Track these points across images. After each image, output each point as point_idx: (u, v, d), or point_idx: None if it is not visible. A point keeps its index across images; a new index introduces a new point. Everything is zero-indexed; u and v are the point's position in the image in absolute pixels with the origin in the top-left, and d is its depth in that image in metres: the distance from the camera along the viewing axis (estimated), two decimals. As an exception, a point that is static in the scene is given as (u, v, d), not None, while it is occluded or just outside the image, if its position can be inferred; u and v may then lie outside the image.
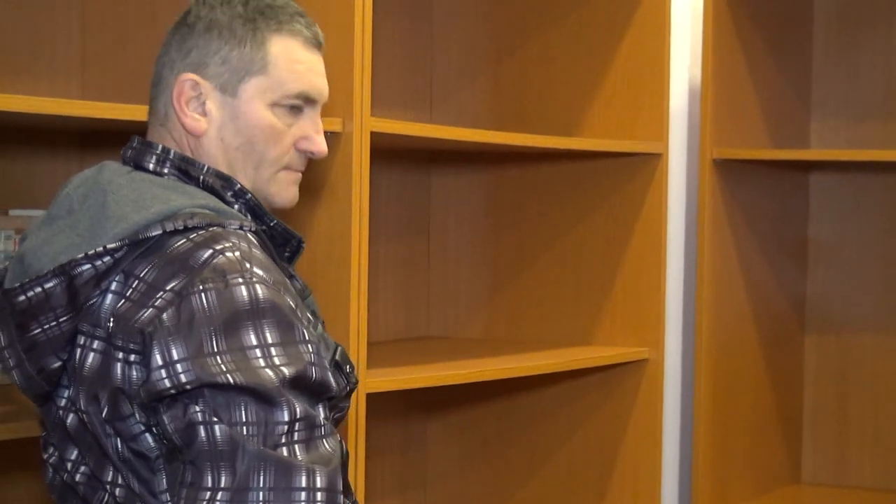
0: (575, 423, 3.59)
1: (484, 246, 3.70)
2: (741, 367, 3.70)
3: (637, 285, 3.52)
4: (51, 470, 2.13)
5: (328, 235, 2.71)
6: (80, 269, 1.99)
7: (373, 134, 2.72)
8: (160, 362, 1.92)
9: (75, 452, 2.07)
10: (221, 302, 1.93)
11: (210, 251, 1.97)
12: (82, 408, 2.03)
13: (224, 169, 2.15)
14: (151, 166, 2.13)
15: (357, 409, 2.69)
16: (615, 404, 3.54)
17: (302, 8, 2.21)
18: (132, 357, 1.96)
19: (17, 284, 2.03)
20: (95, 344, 2.00)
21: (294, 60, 2.17)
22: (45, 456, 2.14)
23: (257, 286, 1.95)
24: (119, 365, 1.97)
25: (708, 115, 3.54)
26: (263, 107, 2.15)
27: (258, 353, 1.92)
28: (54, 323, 2.02)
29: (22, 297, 2.02)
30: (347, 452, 2.22)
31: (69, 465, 2.08)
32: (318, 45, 2.21)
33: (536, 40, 3.60)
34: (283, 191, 2.20)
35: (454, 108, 3.69)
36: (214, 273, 1.95)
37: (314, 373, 1.96)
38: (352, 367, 2.20)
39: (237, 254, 1.98)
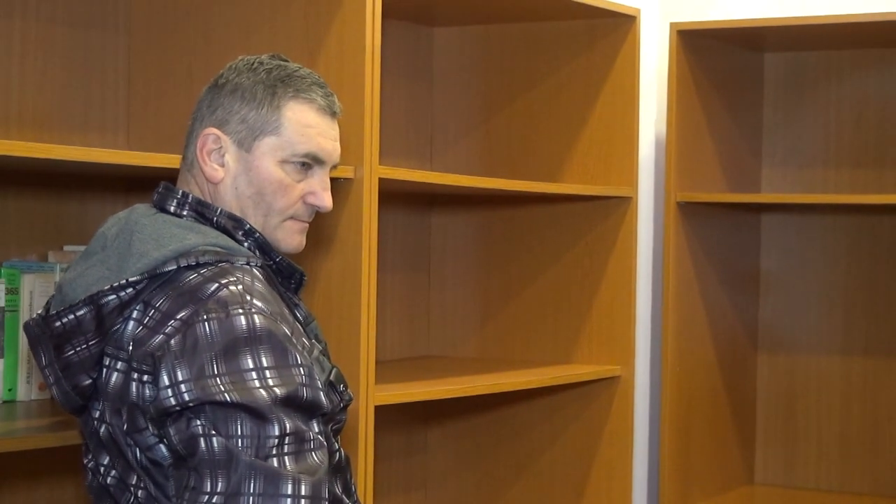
0: (557, 431, 3.57)
1: (477, 277, 3.69)
2: (702, 382, 3.69)
3: (611, 311, 3.51)
4: (89, 473, 2.12)
5: (342, 268, 2.70)
6: (106, 299, 2.00)
7: (381, 180, 2.72)
8: (167, 382, 1.92)
9: (107, 458, 2.06)
10: (222, 330, 1.93)
11: (216, 285, 1.97)
12: (108, 420, 2.03)
13: (237, 211, 2.14)
14: (172, 209, 2.13)
15: (366, 419, 2.68)
16: (592, 415, 3.53)
17: (322, 79, 2.20)
18: (145, 377, 1.96)
19: (53, 312, 2.03)
20: (118, 365, 2.00)
21: (305, 124, 2.15)
22: (85, 461, 2.13)
23: (255, 316, 1.95)
24: (135, 384, 1.97)
25: (672, 163, 3.53)
26: (274, 163, 2.14)
27: (254, 375, 1.92)
28: (85, 346, 2.02)
29: (58, 323, 2.02)
30: (348, 457, 2.22)
31: (102, 470, 2.07)
32: (332, 113, 2.19)
33: (523, 99, 3.60)
34: (289, 238, 2.18)
35: (451, 157, 3.69)
36: (217, 304, 1.95)
37: (305, 393, 1.95)
38: (345, 385, 2.18)
39: (240, 287, 1.97)
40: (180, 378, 1.91)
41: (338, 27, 2.69)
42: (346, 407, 2.19)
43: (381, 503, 3.44)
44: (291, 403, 1.92)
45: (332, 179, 2.62)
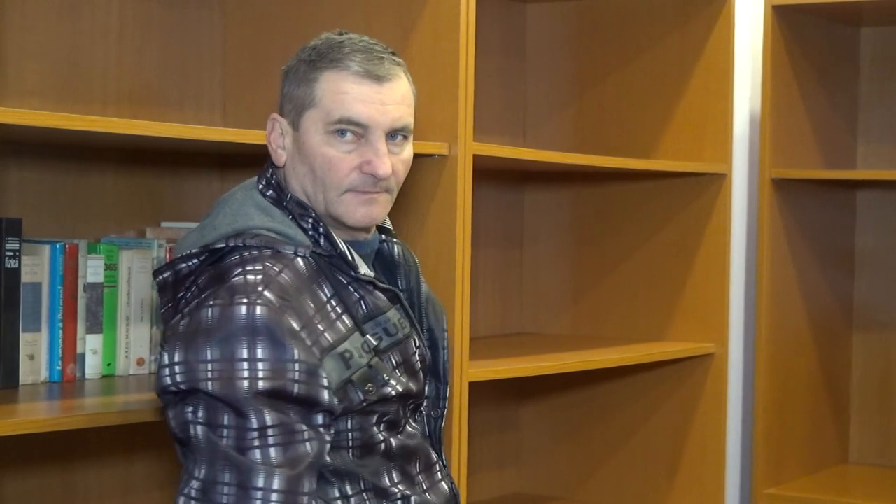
0: (650, 408, 3.53)
1: (570, 254, 3.65)
2: (796, 360, 3.62)
3: (704, 288, 3.46)
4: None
5: (436, 245, 2.67)
6: (179, 267, 2.05)
7: (475, 156, 2.69)
8: (166, 361, 1.94)
9: None
10: (223, 317, 1.92)
11: (239, 270, 1.97)
12: None
13: (302, 194, 2.13)
14: (261, 187, 2.15)
15: (460, 396, 2.66)
16: (685, 393, 3.48)
17: (375, 45, 2.15)
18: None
19: (156, 267, 2.12)
20: None
21: (339, 91, 2.09)
22: None
23: (258, 307, 1.92)
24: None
25: (767, 139, 3.47)
26: (318, 137, 2.10)
27: (245, 365, 1.90)
28: (166, 307, 2.09)
29: (159, 278, 2.09)
30: (406, 446, 2.14)
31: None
32: (375, 77, 2.11)
33: (616, 75, 3.54)
34: (351, 211, 2.12)
35: (544, 134, 3.65)
36: (226, 291, 1.94)
37: (297, 388, 1.92)
38: (375, 385, 2.05)
39: (258, 277, 1.96)
40: (176, 359, 1.93)
41: (432, 4, 2.65)
42: (389, 399, 2.09)
43: (474, 479, 3.42)
44: (279, 396, 1.91)
45: (426, 156, 2.61)
